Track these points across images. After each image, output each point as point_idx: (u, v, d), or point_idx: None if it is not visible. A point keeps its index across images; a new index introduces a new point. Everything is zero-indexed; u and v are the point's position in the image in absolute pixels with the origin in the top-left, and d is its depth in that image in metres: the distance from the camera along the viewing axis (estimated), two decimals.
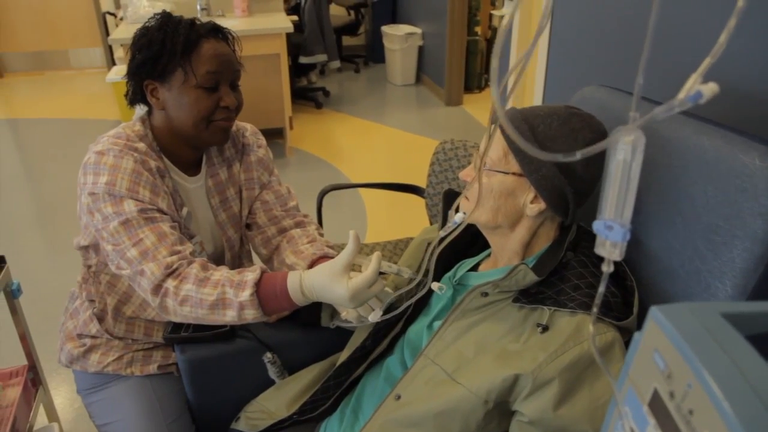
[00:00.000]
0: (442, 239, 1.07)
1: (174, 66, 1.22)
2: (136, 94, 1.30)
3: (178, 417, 1.37)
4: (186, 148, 1.32)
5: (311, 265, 1.32)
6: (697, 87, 0.42)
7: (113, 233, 1.17)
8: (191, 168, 1.36)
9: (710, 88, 0.41)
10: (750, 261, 0.87)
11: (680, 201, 0.97)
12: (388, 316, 1.13)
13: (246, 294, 1.13)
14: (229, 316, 1.15)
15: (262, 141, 1.50)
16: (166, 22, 1.24)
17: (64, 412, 2.09)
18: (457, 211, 1.04)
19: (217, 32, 1.27)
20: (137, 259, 1.16)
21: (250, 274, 1.16)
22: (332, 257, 1.34)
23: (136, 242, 1.16)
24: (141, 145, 1.25)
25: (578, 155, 0.47)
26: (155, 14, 1.28)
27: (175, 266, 1.16)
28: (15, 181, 4.04)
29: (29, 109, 5.46)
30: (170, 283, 1.15)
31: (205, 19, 1.29)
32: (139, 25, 1.29)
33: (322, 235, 1.47)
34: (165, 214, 1.23)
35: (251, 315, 1.14)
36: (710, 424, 0.35)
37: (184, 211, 1.32)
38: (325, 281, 1.10)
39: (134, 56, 1.25)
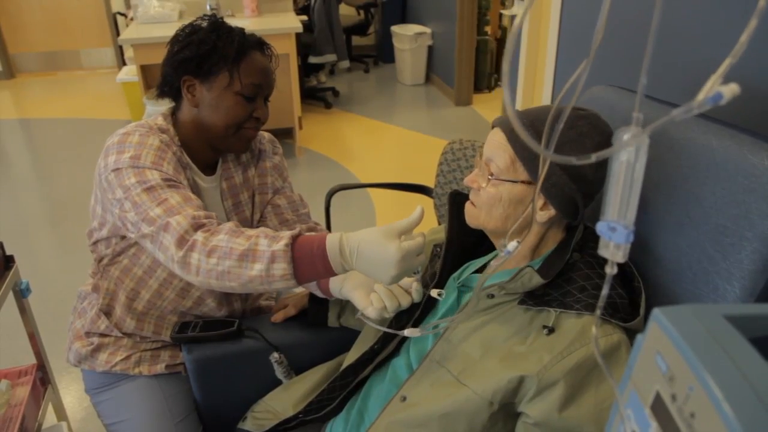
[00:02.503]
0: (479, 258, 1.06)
1: (221, 68, 1.25)
2: (170, 87, 1.31)
3: (186, 416, 1.37)
4: (206, 148, 1.33)
5: None
6: (717, 88, 0.41)
7: (135, 200, 1.13)
8: (208, 168, 1.37)
9: (731, 89, 0.40)
10: (758, 262, 0.86)
11: (688, 202, 0.97)
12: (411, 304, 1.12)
13: (281, 244, 1.03)
14: (257, 270, 1.03)
15: (279, 149, 1.52)
16: (218, 26, 1.28)
17: (72, 411, 2.11)
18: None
19: (263, 46, 1.32)
20: (161, 216, 1.10)
21: (288, 231, 1.08)
22: None
23: (161, 202, 1.12)
24: (164, 137, 1.26)
25: (593, 158, 0.46)
26: (204, 15, 1.32)
27: (203, 221, 1.10)
28: (25, 180, 4.07)
29: (41, 108, 5.50)
30: (199, 235, 1.07)
31: None
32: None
33: None
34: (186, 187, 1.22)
35: (280, 270, 1.03)
36: (712, 427, 0.35)
37: None
38: (376, 238, 1.00)
39: (178, 51, 1.27)
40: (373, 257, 1.00)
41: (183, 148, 1.31)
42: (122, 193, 1.15)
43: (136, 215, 1.13)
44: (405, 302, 1.12)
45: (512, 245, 0.95)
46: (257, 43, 1.31)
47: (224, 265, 1.04)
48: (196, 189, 1.32)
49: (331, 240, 1.04)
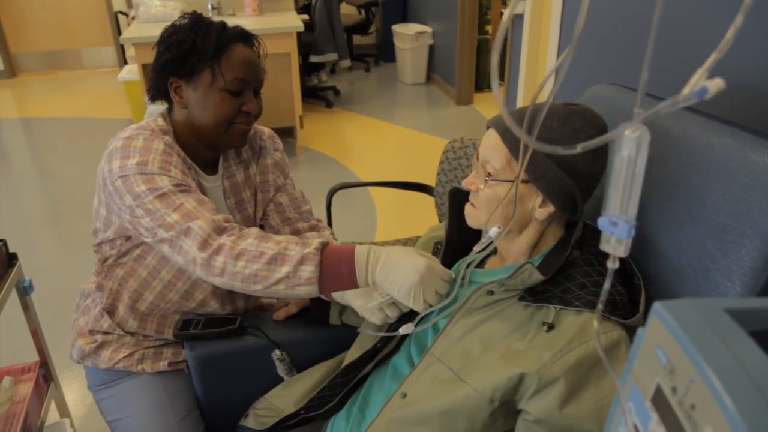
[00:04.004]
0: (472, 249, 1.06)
1: (203, 66, 1.24)
2: (159, 91, 1.31)
3: (188, 413, 1.37)
4: (204, 147, 1.33)
5: None
6: (703, 82, 0.41)
7: (149, 207, 1.13)
8: (209, 167, 1.38)
9: (716, 84, 0.41)
10: (759, 260, 0.86)
11: (689, 199, 0.97)
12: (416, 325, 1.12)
13: (311, 248, 1.07)
14: (283, 272, 1.06)
15: (279, 145, 1.51)
16: (197, 22, 1.26)
17: (75, 408, 2.11)
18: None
19: (247, 38, 1.29)
20: (180, 222, 1.11)
21: (318, 239, 1.12)
22: None
23: (177, 207, 1.12)
24: (166, 138, 1.26)
25: (579, 148, 0.47)
26: (185, 14, 1.30)
27: (224, 225, 1.11)
28: (28, 179, 4.07)
29: (42, 107, 5.51)
30: (226, 239, 1.09)
31: (215, 18, 1.30)
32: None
33: (336, 240, 1.47)
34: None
35: (307, 273, 1.05)
36: (712, 418, 0.35)
37: None
38: (406, 250, 1.06)
39: (162, 53, 1.27)
40: (399, 261, 1.05)
41: (182, 148, 1.31)
42: (132, 200, 1.15)
43: (151, 221, 1.13)
44: (405, 308, 1.13)
45: (494, 231, 0.97)
46: (239, 36, 1.27)
47: (252, 268, 1.06)
48: (200, 189, 1.32)
49: (360, 247, 1.08)
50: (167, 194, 1.14)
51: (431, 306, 1.05)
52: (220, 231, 1.10)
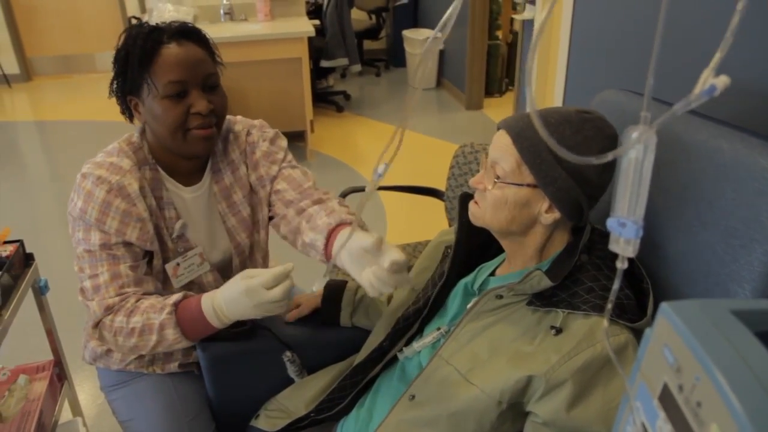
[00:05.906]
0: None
1: (140, 81, 1.20)
2: (128, 113, 1.29)
3: (198, 414, 1.38)
4: (177, 158, 1.30)
5: (329, 237, 1.20)
6: (711, 81, 0.43)
7: (80, 257, 1.24)
8: (191, 176, 1.34)
9: (722, 81, 0.42)
10: None
11: (698, 204, 0.97)
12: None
13: (164, 313, 1.17)
14: (154, 340, 1.18)
15: (268, 134, 1.42)
16: (132, 33, 1.22)
17: (87, 407, 2.13)
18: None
19: (182, 35, 1.22)
20: (89, 291, 1.22)
21: (173, 297, 1.20)
22: (350, 224, 1.21)
23: (93, 275, 1.22)
24: (126, 163, 1.24)
25: (609, 156, 0.48)
26: (130, 24, 1.28)
27: (116, 308, 1.21)
28: (42, 181, 4.12)
29: (57, 111, 5.56)
30: (105, 318, 1.20)
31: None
32: None
33: (345, 206, 1.34)
34: (131, 245, 1.23)
35: (171, 336, 1.18)
36: (717, 415, 0.36)
37: (179, 223, 1.31)
38: (233, 284, 1.15)
39: (114, 70, 1.26)
40: (230, 293, 1.15)
41: (158, 163, 1.29)
42: (75, 241, 1.24)
43: (77, 274, 1.25)
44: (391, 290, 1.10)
45: (382, 168, 0.96)
46: (173, 35, 1.21)
47: (130, 342, 1.20)
48: (172, 203, 1.31)
49: (206, 296, 1.19)
50: (93, 253, 1.22)
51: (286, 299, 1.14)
52: (108, 312, 1.21)
